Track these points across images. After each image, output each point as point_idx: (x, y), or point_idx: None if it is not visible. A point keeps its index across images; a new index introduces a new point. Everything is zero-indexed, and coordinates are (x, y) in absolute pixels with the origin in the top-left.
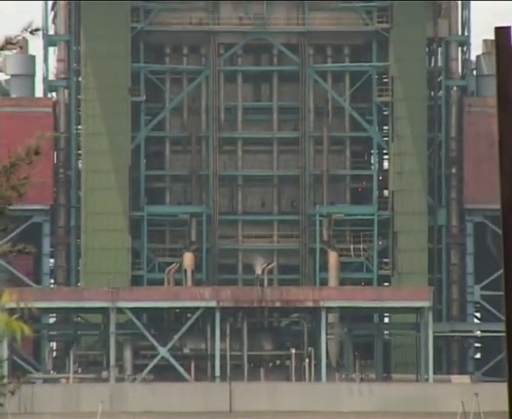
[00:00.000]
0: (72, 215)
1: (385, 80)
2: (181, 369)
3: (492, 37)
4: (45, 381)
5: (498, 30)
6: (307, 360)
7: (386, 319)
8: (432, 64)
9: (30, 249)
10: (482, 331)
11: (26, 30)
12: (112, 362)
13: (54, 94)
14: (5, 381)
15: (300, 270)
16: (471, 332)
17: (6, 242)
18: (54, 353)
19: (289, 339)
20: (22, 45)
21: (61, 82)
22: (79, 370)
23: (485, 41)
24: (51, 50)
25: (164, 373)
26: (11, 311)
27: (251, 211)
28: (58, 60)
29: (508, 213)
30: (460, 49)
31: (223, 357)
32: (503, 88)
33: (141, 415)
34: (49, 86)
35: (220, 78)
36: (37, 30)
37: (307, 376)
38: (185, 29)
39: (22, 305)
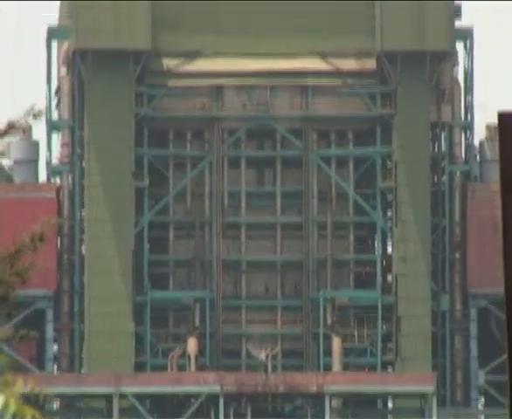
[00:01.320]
0: (76, 300)
1: (389, 165)
2: None
3: (495, 121)
4: None
5: (501, 116)
6: None
7: (390, 405)
8: (436, 148)
9: (33, 334)
10: (487, 416)
11: (29, 114)
12: None
13: (58, 179)
14: None
15: (304, 355)
16: (475, 417)
17: (9, 327)
18: None
19: None
20: (25, 130)
21: (65, 167)
22: None
23: (488, 126)
24: (55, 135)
25: None
26: (23, 397)
27: (254, 296)
28: (62, 145)
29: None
30: (463, 134)
31: None
32: (507, 173)
33: None
34: (52, 171)
35: (224, 164)
36: (40, 114)
37: None
38: (189, 114)
39: (35, 390)
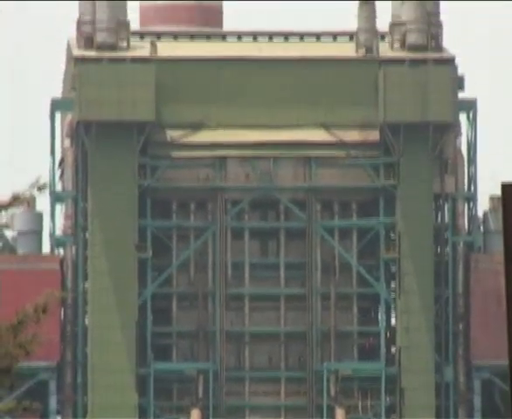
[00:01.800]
0: (79, 372)
1: (392, 236)
2: None
3: (498, 192)
4: None
5: (504, 187)
6: None
7: None
8: (439, 219)
9: (36, 406)
10: None
11: (34, 186)
12: None
13: (61, 250)
14: None
15: None
16: None
17: (12, 399)
18: None
19: None
20: (29, 202)
21: (68, 238)
22: None
23: (492, 198)
24: (59, 206)
25: None
26: None
27: (258, 368)
28: (66, 216)
29: None
30: (466, 205)
31: None
32: (510, 244)
33: None
34: (56, 243)
35: (227, 235)
36: (44, 187)
37: None
38: (192, 185)
39: None
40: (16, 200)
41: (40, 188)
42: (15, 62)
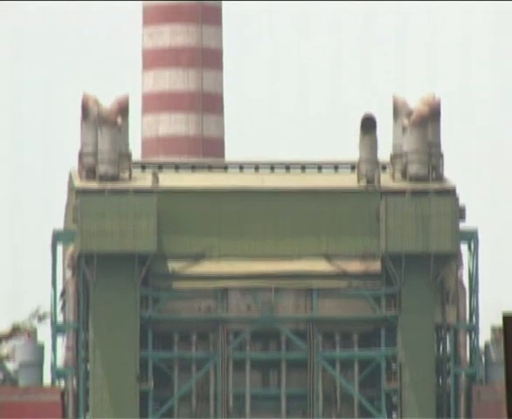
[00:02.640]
0: None
1: (394, 367)
2: None
3: (500, 322)
4: None
5: (506, 319)
6: None
7: None
8: (441, 350)
9: None
10: None
11: (34, 316)
12: None
13: (62, 382)
14: None
15: None
16: None
17: None
18: None
19: None
20: (30, 333)
21: (69, 370)
22: None
23: (493, 328)
24: (60, 337)
25: None
26: None
27: None
28: (67, 348)
29: None
30: (468, 335)
31: None
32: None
33: None
34: (57, 374)
35: (229, 365)
36: (45, 316)
37: None
38: (194, 316)
39: None
40: (16, 330)
41: (40, 318)
42: (17, 193)
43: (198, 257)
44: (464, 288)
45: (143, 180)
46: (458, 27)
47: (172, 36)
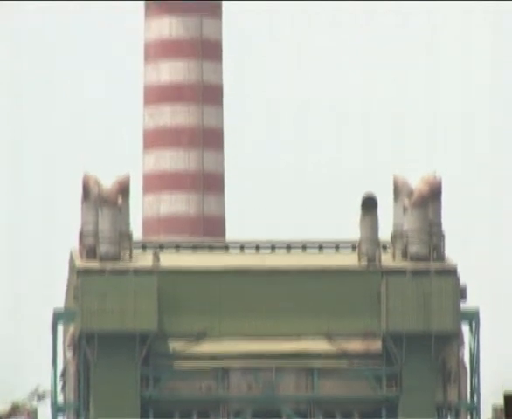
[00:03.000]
0: None
1: None
2: None
3: (501, 401)
4: None
5: (507, 398)
6: None
7: None
8: None
9: None
10: None
11: (34, 395)
12: None
13: None
14: None
15: None
16: None
17: None
18: None
19: None
20: (30, 413)
21: None
22: None
23: (494, 408)
24: (60, 418)
25: None
26: None
27: None
28: None
29: None
30: (469, 415)
31: None
32: None
33: None
34: None
35: None
36: (44, 395)
37: None
38: (195, 396)
39: None
40: (16, 410)
41: (40, 397)
42: (17, 273)
43: (199, 337)
44: (465, 368)
45: (144, 259)
46: (458, 102)
47: (173, 116)
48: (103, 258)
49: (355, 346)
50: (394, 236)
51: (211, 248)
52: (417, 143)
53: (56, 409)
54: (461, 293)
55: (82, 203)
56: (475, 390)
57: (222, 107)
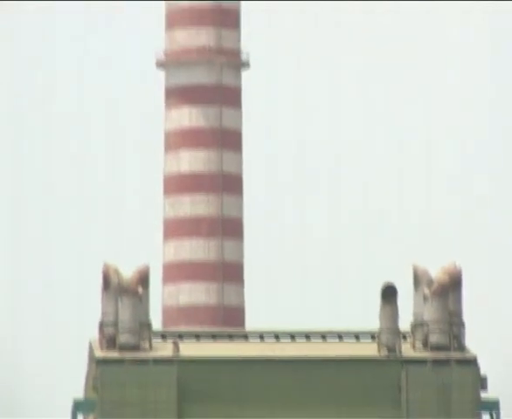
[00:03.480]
0: None
1: None
2: None
3: None
4: None
5: None
6: None
7: None
8: None
9: None
10: None
11: None
12: None
13: None
14: None
15: None
16: None
17: None
18: None
19: None
20: None
21: None
22: None
23: None
24: None
25: None
26: None
27: None
28: None
29: None
30: None
31: None
32: None
33: None
34: None
35: None
36: None
37: None
38: None
39: None
40: None
41: None
42: (39, 362)
43: None
44: None
45: (164, 349)
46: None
47: (192, 205)
48: (123, 348)
49: None
50: (414, 326)
51: (230, 337)
52: (437, 232)
53: None
54: (482, 384)
55: (102, 293)
56: None
57: (242, 197)
